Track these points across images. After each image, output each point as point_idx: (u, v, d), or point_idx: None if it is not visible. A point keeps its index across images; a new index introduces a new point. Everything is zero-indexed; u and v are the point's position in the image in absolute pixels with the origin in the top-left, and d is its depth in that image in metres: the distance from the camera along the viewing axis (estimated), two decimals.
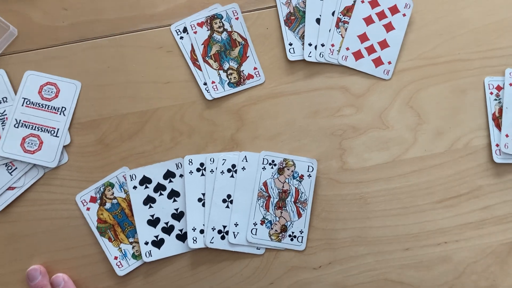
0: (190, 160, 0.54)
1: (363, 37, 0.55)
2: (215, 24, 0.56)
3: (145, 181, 0.54)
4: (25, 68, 0.55)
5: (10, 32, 0.54)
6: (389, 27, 0.56)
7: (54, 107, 0.54)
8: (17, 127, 0.53)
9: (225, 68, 0.55)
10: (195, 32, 0.55)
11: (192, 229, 0.53)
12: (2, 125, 0.54)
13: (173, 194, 0.54)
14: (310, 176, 0.54)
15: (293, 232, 0.53)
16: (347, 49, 0.55)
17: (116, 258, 0.53)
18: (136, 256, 0.53)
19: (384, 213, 0.54)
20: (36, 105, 0.54)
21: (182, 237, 0.53)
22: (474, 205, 0.54)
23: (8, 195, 0.53)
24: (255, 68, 0.56)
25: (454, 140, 0.55)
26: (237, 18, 0.56)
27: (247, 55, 0.56)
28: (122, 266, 0.53)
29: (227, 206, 0.53)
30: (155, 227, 0.53)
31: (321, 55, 0.55)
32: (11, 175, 0.53)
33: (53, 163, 0.53)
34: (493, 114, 0.55)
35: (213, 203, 0.53)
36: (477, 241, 0.53)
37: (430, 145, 0.55)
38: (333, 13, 0.56)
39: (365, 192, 0.54)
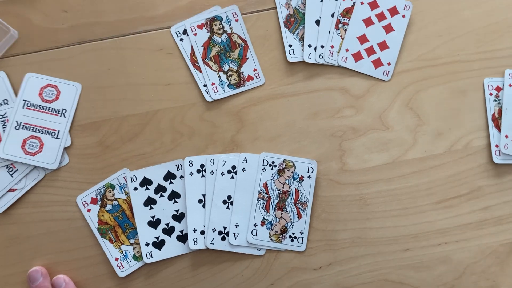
0: (191, 162, 0.54)
1: (362, 39, 0.56)
2: (215, 26, 0.56)
3: (145, 182, 0.54)
4: (26, 70, 0.55)
5: (11, 34, 0.55)
6: (388, 29, 0.56)
7: (54, 109, 0.54)
8: (18, 129, 0.54)
9: (225, 70, 0.55)
10: (195, 34, 0.55)
11: (193, 230, 0.53)
12: (3, 127, 0.54)
13: (174, 196, 0.54)
14: (310, 177, 0.54)
15: (293, 233, 0.53)
16: (347, 50, 0.55)
17: (117, 259, 0.53)
18: (137, 257, 0.53)
19: (384, 214, 0.54)
20: (36, 107, 0.54)
21: (183, 238, 0.53)
22: (474, 205, 0.54)
23: (9, 197, 0.53)
24: (255, 70, 0.56)
25: (453, 141, 0.55)
26: (236, 20, 0.56)
27: (247, 57, 0.56)
28: (123, 267, 0.53)
29: (228, 207, 0.53)
30: (155, 228, 0.53)
31: (321, 57, 0.55)
32: (12, 177, 0.53)
33: (53, 165, 0.53)
34: (492, 115, 0.55)
35: (213, 204, 0.53)
36: (477, 242, 0.54)
37: (430, 146, 0.55)
38: (332, 15, 0.56)
39: (365, 193, 0.54)
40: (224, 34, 0.56)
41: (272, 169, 0.54)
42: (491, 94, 0.55)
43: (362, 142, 0.55)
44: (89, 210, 0.53)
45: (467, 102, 0.55)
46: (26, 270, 0.53)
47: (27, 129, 0.54)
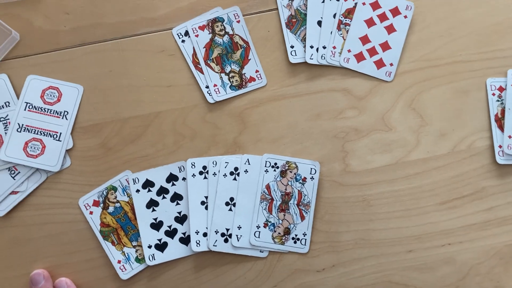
0: (193, 163, 0.54)
1: (364, 39, 0.55)
2: (217, 27, 0.56)
3: (148, 184, 0.54)
4: (28, 73, 0.55)
5: (12, 36, 0.54)
6: (390, 29, 0.56)
7: (56, 111, 0.54)
8: (20, 132, 0.53)
9: (227, 71, 0.55)
10: (197, 36, 0.55)
11: (195, 232, 0.53)
12: (5, 130, 0.54)
13: (176, 198, 0.54)
14: (313, 179, 0.53)
15: (296, 235, 0.53)
16: (349, 51, 0.55)
17: (119, 261, 0.53)
18: (140, 259, 0.53)
19: (387, 215, 0.54)
20: (38, 110, 0.54)
21: (185, 240, 0.53)
22: (478, 206, 0.54)
23: (11, 199, 0.53)
24: (257, 71, 0.56)
25: (457, 142, 0.54)
26: (238, 21, 0.56)
27: (249, 58, 0.56)
28: (126, 269, 0.53)
29: (230, 209, 0.53)
30: (158, 230, 0.53)
31: (323, 58, 0.55)
32: (14, 179, 0.53)
33: (55, 167, 0.53)
34: (495, 115, 0.54)
35: (216, 206, 0.53)
36: (481, 243, 0.53)
37: (433, 146, 0.54)
38: (334, 16, 0.56)
39: (368, 194, 0.54)
40: (226, 36, 0.56)
41: (274, 170, 0.54)
42: (494, 94, 0.55)
43: (365, 143, 0.55)
44: (91, 213, 0.53)
45: (470, 103, 0.55)
46: (28, 273, 0.53)
47: (28, 131, 0.54)
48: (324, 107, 0.55)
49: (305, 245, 0.53)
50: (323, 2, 0.56)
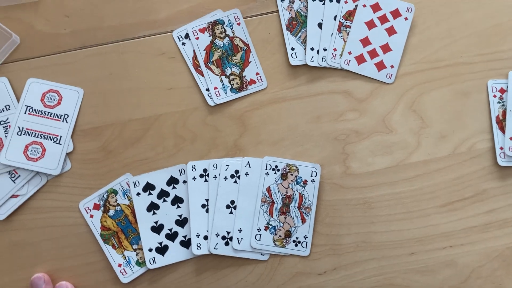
0: (193, 166, 0.53)
1: (365, 41, 0.55)
2: (217, 29, 0.56)
3: (148, 187, 0.54)
4: (28, 76, 0.55)
5: (13, 40, 0.54)
6: (391, 31, 0.55)
7: (56, 115, 0.54)
8: (20, 135, 0.53)
9: (227, 74, 0.55)
10: (197, 38, 0.55)
11: (196, 235, 0.52)
12: (5, 133, 0.54)
13: (177, 201, 0.54)
14: (314, 181, 0.53)
15: (297, 238, 0.53)
16: (350, 53, 0.55)
17: (120, 265, 0.53)
18: (140, 263, 0.53)
19: (389, 217, 0.53)
20: (38, 113, 0.54)
21: (186, 243, 0.53)
22: (479, 208, 0.54)
23: (12, 203, 0.53)
24: (257, 74, 0.55)
25: (457, 144, 0.54)
26: (238, 24, 0.56)
27: (249, 61, 0.56)
28: (126, 273, 0.53)
29: (231, 212, 0.53)
30: (159, 233, 0.53)
31: (324, 60, 0.55)
32: (14, 183, 0.53)
33: (56, 171, 0.53)
34: (496, 117, 0.54)
35: (216, 209, 0.53)
36: (483, 245, 0.53)
37: (433, 149, 0.54)
38: (335, 18, 0.56)
39: (369, 196, 0.54)
40: (226, 38, 0.56)
41: (275, 173, 0.53)
42: (495, 96, 0.55)
43: (365, 145, 0.54)
44: (91, 216, 0.53)
45: (471, 105, 0.55)
46: (29, 276, 0.53)
47: (29, 134, 0.53)
48: (325, 109, 0.55)
49: (306, 248, 0.53)
50: (324, 4, 0.56)
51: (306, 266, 0.53)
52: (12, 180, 0.53)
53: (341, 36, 0.55)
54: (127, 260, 0.53)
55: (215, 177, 0.53)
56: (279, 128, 0.55)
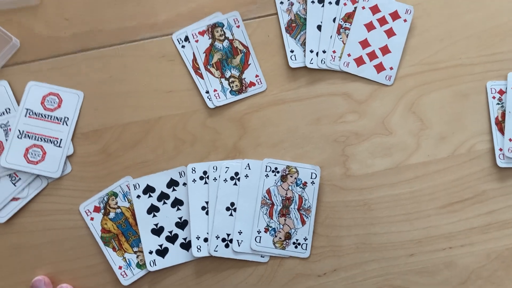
0: (193, 169, 0.54)
1: (364, 43, 0.56)
2: (217, 32, 0.56)
3: (148, 190, 0.54)
4: (28, 79, 0.55)
5: (13, 43, 0.55)
6: (390, 33, 0.56)
7: (57, 118, 0.54)
8: (20, 138, 0.54)
9: (227, 76, 0.55)
10: (197, 41, 0.55)
11: (196, 237, 0.53)
12: (6, 136, 0.54)
13: (177, 203, 0.54)
14: (314, 183, 0.53)
15: (297, 240, 0.53)
16: (349, 55, 0.55)
17: (120, 267, 0.53)
18: (141, 265, 0.53)
19: (388, 219, 0.54)
20: (39, 116, 0.54)
21: (186, 245, 0.53)
22: (479, 210, 0.54)
23: (12, 206, 0.53)
24: (256, 76, 0.56)
25: (457, 145, 0.54)
26: (238, 26, 0.56)
27: (249, 63, 0.56)
28: (127, 275, 0.53)
29: (231, 214, 0.53)
30: (159, 236, 0.53)
31: (323, 62, 0.55)
32: (15, 186, 0.53)
33: (56, 174, 0.53)
34: (496, 119, 0.54)
35: (216, 211, 0.53)
36: (482, 246, 0.53)
37: (433, 150, 0.54)
38: (334, 20, 0.56)
39: (369, 198, 0.54)
40: (226, 41, 0.56)
41: (275, 175, 0.54)
42: (494, 97, 0.55)
43: (365, 147, 0.55)
44: (92, 219, 0.53)
45: (470, 106, 0.55)
46: (29, 279, 0.53)
47: (29, 137, 0.54)
48: (324, 112, 0.55)
49: (306, 249, 0.53)
50: (323, 6, 0.56)
51: (306, 268, 0.53)
52: (12, 183, 0.53)
53: (340, 38, 0.56)
54: (128, 262, 0.53)
55: (215, 179, 0.53)
56: (279, 130, 0.55)
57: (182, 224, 0.53)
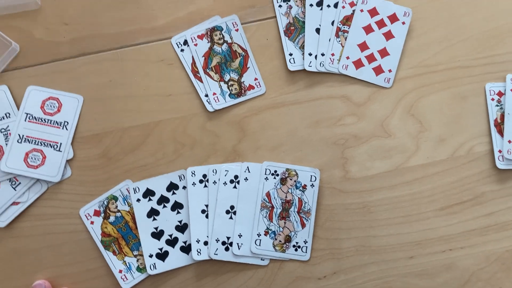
0: (193, 172, 0.54)
1: (363, 46, 0.56)
2: (215, 36, 0.56)
3: (148, 193, 0.54)
4: (28, 83, 0.55)
5: (12, 48, 0.55)
6: (388, 36, 0.56)
7: (56, 122, 0.54)
8: (20, 142, 0.54)
9: (226, 80, 0.56)
10: (196, 45, 0.56)
11: (196, 241, 0.53)
12: (6, 141, 0.54)
13: (177, 206, 0.54)
14: (313, 186, 0.54)
15: (297, 242, 0.53)
16: (347, 58, 0.55)
17: (120, 271, 0.53)
18: (141, 269, 0.53)
19: (388, 221, 0.54)
20: (38, 120, 0.54)
21: (186, 249, 0.53)
22: (478, 211, 0.54)
23: (12, 210, 0.53)
24: (255, 79, 0.56)
25: (456, 147, 0.54)
26: (237, 30, 0.56)
27: (248, 66, 0.56)
28: (127, 279, 0.53)
29: (231, 217, 0.53)
30: (159, 239, 0.53)
31: (322, 65, 0.55)
32: (15, 190, 0.53)
33: (56, 178, 0.53)
34: (495, 120, 0.55)
35: (216, 214, 0.53)
36: (482, 248, 0.53)
37: (432, 152, 0.54)
38: (332, 23, 0.56)
39: (368, 201, 0.54)
40: (225, 44, 0.56)
41: (274, 178, 0.54)
42: (493, 99, 0.55)
43: (364, 149, 0.55)
44: (92, 223, 0.53)
45: (469, 108, 0.55)
46: (30, 283, 0.53)
47: (29, 142, 0.54)
48: (323, 114, 0.55)
49: (306, 252, 0.53)
50: (321, 9, 0.56)
51: (306, 271, 0.53)
52: (12, 187, 0.53)
53: (339, 41, 0.56)
54: (128, 266, 0.53)
55: (214, 182, 0.53)
56: (278, 133, 0.55)
57: (182, 228, 0.54)
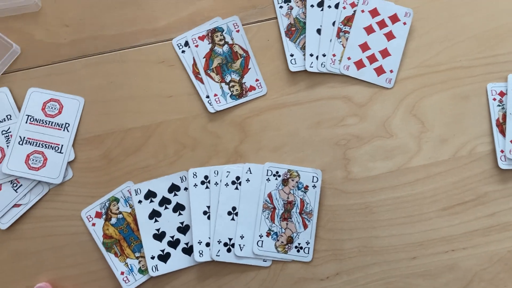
0: (194, 173, 0.54)
1: (364, 46, 0.56)
2: (216, 37, 0.56)
3: (150, 195, 0.54)
4: (29, 85, 0.55)
5: (13, 50, 0.55)
6: (390, 36, 0.56)
7: (57, 124, 0.54)
8: (22, 144, 0.54)
9: (227, 81, 0.55)
10: (197, 46, 0.56)
11: (198, 242, 0.52)
12: (7, 143, 0.54)
13: (178, 208, 0.54)
14: (315, 187, 0.53)
15: (299, 244, 0.53)
16: (349, 58, 0.55)
17: (122, 273, 0.53)
18: (143, 270, 0.53)
19: (390, 222, 0.53)
20: (40, 122, 0.54)
21: (188, 250, 0.53)
22: (480, 212, 0.54)
23: (14, 212, 0.53)
24: (257, 80, 0.56)
25: (458, 147, 0.54)
26: (238, 31, 0.56)
27: (249, 67, 0.56)
28: (129, 281, 0.53)
29: (233, 219, 0.53)
30: (161, 241, 0.53)
31: (323, 65, 0.55)
32: (16, 192, 0.53)
33: (57, 180, 0.53)
34: (497, 120, 0.54)
35: (218, 215, 0.53)
36: (484, 248, 0.53)
37: (434, 152, 0.54)
38: (333, 23, 0.56)
39: (371, 201, 0.54)
40: (226, 45, 0.56)
41: (276, 179, 0.53)
42: (494, 99, 0.55)
43: (366, 150, 0.55)
44: (93, 224, 0.53)
45: (471, 108, 0.55)
46: (31, 285, 0.53)
47: (30, 144, 0.54)
48: (325, 115, 0.55)
49: (308, 253, 0.53)
50: (322, 10, 0.56)
51: (308, 272, 0.53)
52: (14, 189, 0.53)
53: (340, 41, 0.56)
54: (130, 268, 0.53)
55: (216, 183, 0.53)
56: (280, 134, 0.55)
57: (183, 229, 0.53)
